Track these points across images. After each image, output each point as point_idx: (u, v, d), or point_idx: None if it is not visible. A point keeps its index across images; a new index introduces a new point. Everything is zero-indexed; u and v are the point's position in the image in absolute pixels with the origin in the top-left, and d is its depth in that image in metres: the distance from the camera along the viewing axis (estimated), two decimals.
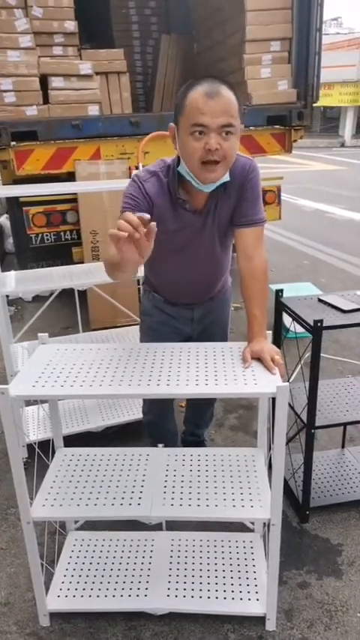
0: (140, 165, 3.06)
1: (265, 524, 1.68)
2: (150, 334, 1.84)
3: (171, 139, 1.44)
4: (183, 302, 1.78)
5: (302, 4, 3.53)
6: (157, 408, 2.00)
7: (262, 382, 1.34)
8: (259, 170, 1.53)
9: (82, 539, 1.85)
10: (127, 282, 1.50)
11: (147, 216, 1.13)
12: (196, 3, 5.05)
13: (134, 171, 2.79)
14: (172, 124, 1.41)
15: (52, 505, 1.51)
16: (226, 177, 1.44)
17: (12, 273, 2.42)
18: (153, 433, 2.05)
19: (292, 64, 3.73)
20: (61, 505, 1.51)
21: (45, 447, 1.76)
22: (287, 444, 1.59)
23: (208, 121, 1.31)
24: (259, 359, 1.43)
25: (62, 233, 3.71)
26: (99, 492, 1.55)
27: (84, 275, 2.40)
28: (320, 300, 1.95)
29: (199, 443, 2.24)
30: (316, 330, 1.72)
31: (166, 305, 1.79)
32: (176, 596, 1.61)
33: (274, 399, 1.33)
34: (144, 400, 2.05)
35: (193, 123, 1.32)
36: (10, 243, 5.37)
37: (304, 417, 1.87)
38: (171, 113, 1.44)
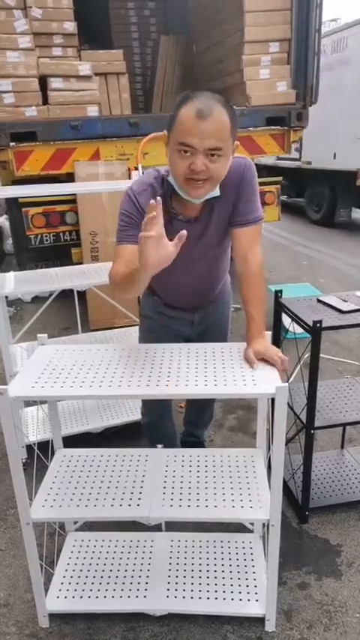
0: (139, 166, 3.06)
1: (264, 524, 1.68)
2: (149, 336, 1.84)
3: (164, 138, 1.40)
4: (183, 306, 1.78)
5: (301, 5, 3.54)
6: (156, 410, 1.99)
7: (261, 383, 1.34)
8: (254, 167, 1.51)
9: (82, 540, 1.84)
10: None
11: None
12: (195, 4, 5.06)
13: (133, 173, 2.79)
14: (165, 132, 1.38)
15: (51, 506, 1.51)
16: (216, 192, 1.42)
17: (11, 274, 2.42)
18: (152, 435, 2.04)
19: (291, 65, 3.74)
20: (60, 506, 1.51)
21: (44, 448, 1.76)
22: (286, 444, 1.59)
23: (195, 142, 1.26)
24: (262, 359, 1.43)
25: (61, 234, 3.71)
26: (98, 493, 1.55)
27: (83, 276, 2.40)
28: (319, 301, 1.96)
29: (199, 444, 2.24)
30: (315, 330, 1.72)
31: (166, 308, 1.79)
32: (175, 597, 1.61)
33: (273, 400, 1.33)
34: (142, 402, 2.04)
35: (181, 142, 1.28)
36: (9, 244, 5.37)
37: (303, 417, 1.87)
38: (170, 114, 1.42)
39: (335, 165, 6.55)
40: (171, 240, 1.51)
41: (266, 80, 3.74)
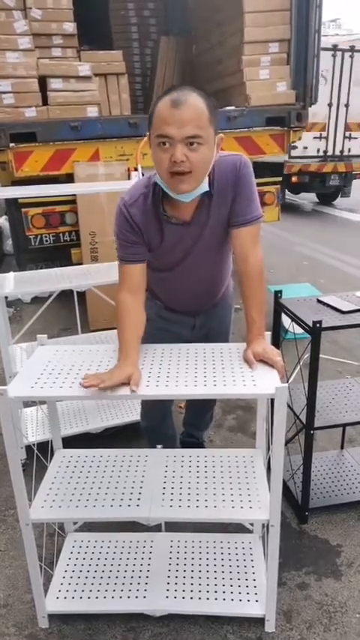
0: (139, 166, 3.06)
1: (264, 525, 1.68)
2: (150, 340, 1.83)
3: (148, 139, 1.39)
4: (184, 310, 1.77)
5: (301, 5, 3.54)
6: (156, 413, 1.99)
7: (261, 383, 1.34)
8: (251, 165, 1.48)
9: (81, 541, 1.84)
10: None
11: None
12: (195, 5, 5.07)
13: (132, 173, 2.79)
14: (147, 133, 1.37)
15: (50, 507, 1.51)
16: (204, 188, 1.39)
17: (11, 275, 2.42)
18: (151, 437, 2.04)
19: (291, 66, 3.74)
20: (60, 507, 1.51)
21: (43, 449, 1.76)
22: (286, 445, 1.59)
23: (172, 131, 1.25)
24: (261, 360, 1.43)
25: (61, 234, 3.71)
26: (98, 494, 1.55)
27: (83, 276, 2.40)
28: (319, 301, 1.96)
29: (198, 444, 2.24)
30: (315, 331, 1.72)
31: (167, 312, 1.78)
32: (175, 597, 1.61)
33: (273, 400, 1.33)
34: (141, 406, 2.04)
35: (159, 134, 1.28)
36: (9, 244, 5.37)
37: (303, 417, 1.87)
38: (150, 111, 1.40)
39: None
40: (168, 241, 1.52)
41: (266, 81, 3.73)
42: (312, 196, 9.44)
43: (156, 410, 1.97)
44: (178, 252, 1.55)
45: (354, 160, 7.80)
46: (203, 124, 1.27)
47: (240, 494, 1.53)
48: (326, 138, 7.75)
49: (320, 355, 1.79)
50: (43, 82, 3.37)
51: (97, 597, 1.62)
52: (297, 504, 2.01)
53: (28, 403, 2.58)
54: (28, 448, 2.24)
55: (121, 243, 1.49)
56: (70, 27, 3.46)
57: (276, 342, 1.93)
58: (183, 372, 1.40)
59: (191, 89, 1.28)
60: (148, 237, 1.49)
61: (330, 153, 7.84)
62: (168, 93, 1.28)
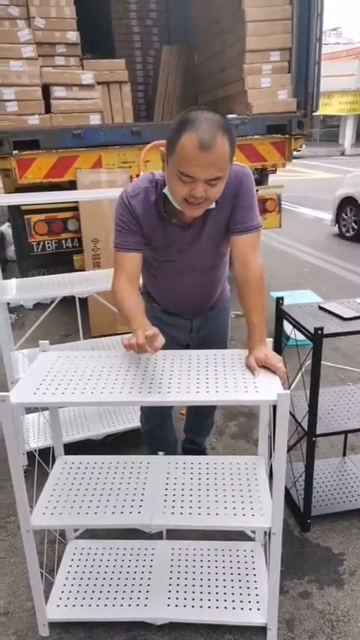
0: (141, 174, 3.08)
1: (266, 533, 1.67)
2: None
3: (161, 154, 1.40)
4: (181, 312, 1.78)
5: (302, 14, 3.57)
6: (155, 419, 1.99)
7: (262, 390, 1.34)
8: (252, 176, 1.53)
9: (82, 548, 1.84)
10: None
11: (158, 337, 1.28)
12: (197, 14, 5.11)
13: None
14: (164, 145, 1.37)
15: (52, 513, 1.50)
16: (212, 205, 1.44)
17: (13, 281, 2.43)
18: (152, 443, 2.03)
19: (292, 74, 3.77)
20: (61, 513, 1.50)
21: (45, 455, 1.76)
22: (288, 452, 1.58)
23: (197, 173, 1.28)
24: (263, 366, 1.43)
25: (63, 241, 3.72)
26: (99, 500, 1.55)
27: (85, 282, 2.40)
28: (321, 308, 1.96)
29: (200, 451, 2.23)
30: (317, 337, 1.72)
31: (164, 314, 1.79)
32: (176, 605, 1.60)
33: (275, 407, 1.33)
34: (141, 410, 2.04)
35: (182, 171, 1.30)
36: (11, 250, 5.39)
37: (305, 424, 1.87)
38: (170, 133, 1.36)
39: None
40: (164, 239, 1.53)
41: (267, 89, 3.76)
42: None
43: (156, 414, 1.97)
44: (174, 251, 1.57)
45: None
46: (225, 165, 1.32)
47: (242, 502, 1.52)
48: None
49: (322, 362, 1.79)
50: (46, 90, 3.40)
51: (97, 605, 1.61)
52: (299, 512, 2.00)
53: (30, 409, 2.58)
54: (30, 454, 2.23)
55: (120, 230, 1.50)
56: (73, 36, 3.49)
57: (278, 348, 1.92)
58: (185, 379, 1.40)
59: (217, 125, 1.26)
60: (146, 230, 1.51)
61: None
62: (194, 127, 1.25)
